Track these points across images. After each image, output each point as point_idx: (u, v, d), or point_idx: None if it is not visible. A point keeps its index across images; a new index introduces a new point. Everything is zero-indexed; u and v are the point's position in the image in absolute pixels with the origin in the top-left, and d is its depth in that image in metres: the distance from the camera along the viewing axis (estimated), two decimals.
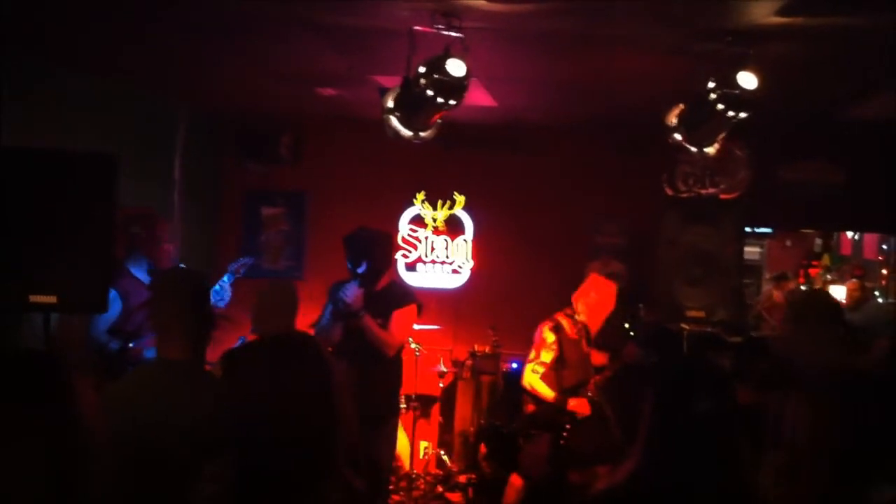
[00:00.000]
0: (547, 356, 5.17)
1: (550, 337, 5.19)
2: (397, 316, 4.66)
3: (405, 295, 4.84)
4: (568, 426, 5.10)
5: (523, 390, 5.25)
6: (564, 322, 5.25)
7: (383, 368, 4.63)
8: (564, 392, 5.14)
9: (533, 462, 5.20)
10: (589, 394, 5.20)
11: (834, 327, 3.12)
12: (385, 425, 4.67)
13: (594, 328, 5.32)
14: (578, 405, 5.11)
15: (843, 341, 3.14)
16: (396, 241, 7.09)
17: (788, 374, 2.96)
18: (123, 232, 4.55)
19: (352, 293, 4.47)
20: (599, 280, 5.39)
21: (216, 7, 4.11)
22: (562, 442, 5.10)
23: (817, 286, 11.72)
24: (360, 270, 4.58)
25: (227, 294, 4.87)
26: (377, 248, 4.72)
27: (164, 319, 2.52)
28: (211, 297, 4.58)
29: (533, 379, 5.16)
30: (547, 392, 5.12)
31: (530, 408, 5.24)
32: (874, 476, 2.78)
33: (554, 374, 5.15)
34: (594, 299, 5.26)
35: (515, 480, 5.31)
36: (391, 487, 5.57)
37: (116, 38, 4.85)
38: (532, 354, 5.23)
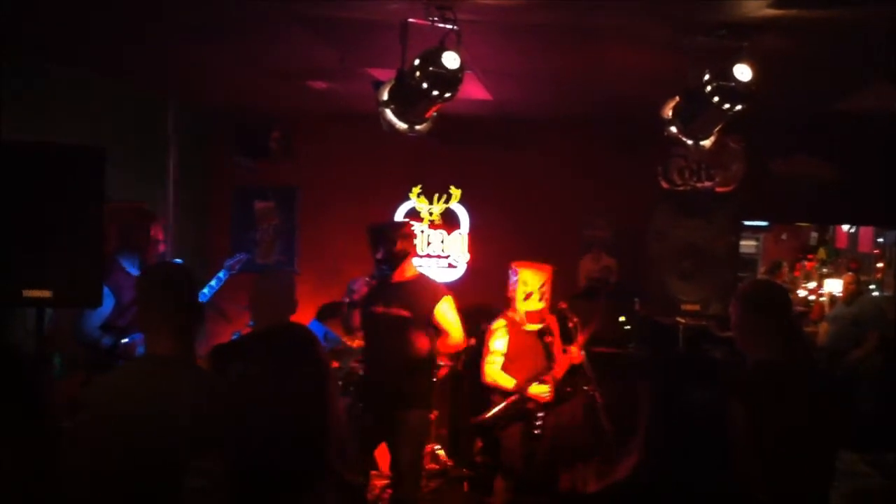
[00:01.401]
0: (499, 343, 5.16)
1: (498, 324, 5.22)
2: (440, 313, 4.74)
3: (436, 290, 4.87)
4: (540, 414, 5.09)
5: (486, 387, 5.23)
6: (511, 314, 5.23)
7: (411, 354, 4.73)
8: (526, 381, 5.13)
9: (510, 456, 5.18)
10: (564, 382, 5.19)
11: (774, 320, 2.98)
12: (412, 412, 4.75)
13: (531, 311, 5.18)
14: (539, 391, 5.08)
15: (788, 336, 2.99)
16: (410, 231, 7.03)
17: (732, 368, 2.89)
18: (116, 227, 4.53)
19: None
20: (521, 264, 5.32)
21: (208, 1, 4.08)
22: (536, 431, 5.09)
23: (813, 280, 11.73)
24: (378, 257, 4.80)
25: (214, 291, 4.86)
26: (390, 234, 4.85)
27: (151, 315, 2.51)
28: (199, 293, 4.60)
29: (492, 371, 5.15)
30: (508, 382, 5.11)
31: (497, 400, 5.21)
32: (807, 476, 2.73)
33: (510, 364, 5.14)
34: (515, 282, 5.20)
35: (498, 483, 5.28)
36: (386, 482, 5.56)
37: (109, 35, 4.82)
38: (485, 349, 5.23)
